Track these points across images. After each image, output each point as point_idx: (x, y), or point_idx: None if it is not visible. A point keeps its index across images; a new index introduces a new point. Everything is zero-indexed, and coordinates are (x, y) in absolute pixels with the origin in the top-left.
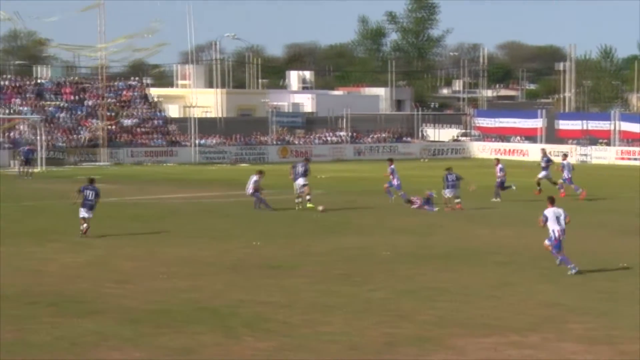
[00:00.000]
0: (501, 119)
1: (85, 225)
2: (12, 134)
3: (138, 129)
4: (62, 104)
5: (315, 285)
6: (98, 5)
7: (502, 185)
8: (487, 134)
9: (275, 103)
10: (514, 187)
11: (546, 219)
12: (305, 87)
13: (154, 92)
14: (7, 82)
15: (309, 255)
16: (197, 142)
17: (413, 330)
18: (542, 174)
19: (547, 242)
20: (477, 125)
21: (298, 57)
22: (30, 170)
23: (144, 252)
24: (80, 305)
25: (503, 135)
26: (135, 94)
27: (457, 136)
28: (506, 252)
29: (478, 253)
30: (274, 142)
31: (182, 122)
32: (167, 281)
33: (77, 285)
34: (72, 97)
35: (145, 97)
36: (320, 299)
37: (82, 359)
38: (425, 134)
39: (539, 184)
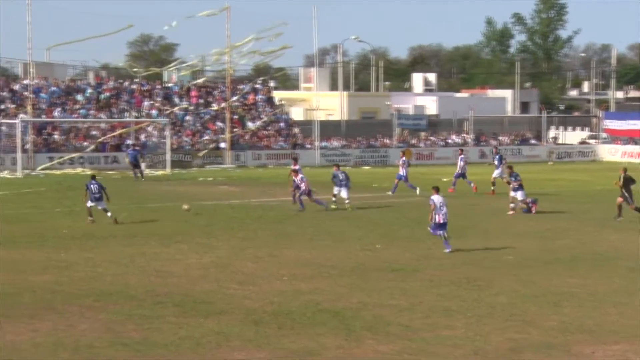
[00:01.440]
0: (632, 121)
1: (90, 218)
2: (141, 136)
3: (263, 132)
4: (189, 107)
5: (437, 289)
6: (224, 10)
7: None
8: (617, 137)
9: (398, 105)
10: None
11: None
12: (428, 90)
13: (278, 95)
14: (136, 86)
15: (430, 259)
16: (319, 144)
17: (538, 336)
18: (496, 172)
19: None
20: (606, 127)
21: (422, 60)
22: (139, 173)
23: (266, 253)
24: (204, 306)
25: (633, 137)
26: (260, 97)
27: (585, 139)
28: (636, 258)
29: (606, 258)
30: (397, 145)
31: (306, 125)
32: (289, 283)
33: (201, 286)
34: (198, 100)
35: (269, 100)
36: (442, 302)
37: (206, 359)
38: (553, 137)
39: (493, 184)
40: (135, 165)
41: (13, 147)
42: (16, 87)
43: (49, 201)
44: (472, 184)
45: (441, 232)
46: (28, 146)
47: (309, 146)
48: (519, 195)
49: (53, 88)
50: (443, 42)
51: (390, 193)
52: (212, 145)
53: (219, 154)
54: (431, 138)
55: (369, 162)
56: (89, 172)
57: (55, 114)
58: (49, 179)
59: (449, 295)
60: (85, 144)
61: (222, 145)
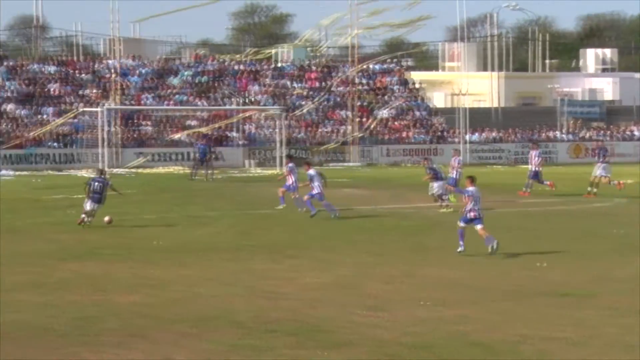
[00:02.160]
0: None
1: (83, 216)
2: (247, 127)
3: (396, 123)
4: (305, 92)
5: (617, 319)
6: None
7: None
8: None
9: (566, 89)
10: None
11: None
12: (605, 69)
13: (416, 76)
14: (242, 67)
15: (608, 281)
16: (467, 137)
17: None
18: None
19: None
20: None
21: (596, 32)
22: (210, 172)
23: (401, 272)
24: (324, 335)
25: None
26: (393, 79)
27: None
28: None
29: None
30: (565, 138)
31: (450, 114)
32: (430, 309)
33: (320, 310)
34: (317, 84)
35: (404, 83)
36: (624, 336)
37: None
38: None
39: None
40: (202, 161)
41: (96, 140)
42: (99, 68)
43: (137, 206)
44: (548, 182)
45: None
46: (113, 140)
47: (453, 140)
48: None
49: (143, 69)
50: (623, 10)
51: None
52: (336, 140)
53: (343, 150)
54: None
55: (527, 159)
56: (186, 170)
57: (146, 100)
58: (138, 179)
59: (632, 327)
60: (178, 136)
61: (348, 138)
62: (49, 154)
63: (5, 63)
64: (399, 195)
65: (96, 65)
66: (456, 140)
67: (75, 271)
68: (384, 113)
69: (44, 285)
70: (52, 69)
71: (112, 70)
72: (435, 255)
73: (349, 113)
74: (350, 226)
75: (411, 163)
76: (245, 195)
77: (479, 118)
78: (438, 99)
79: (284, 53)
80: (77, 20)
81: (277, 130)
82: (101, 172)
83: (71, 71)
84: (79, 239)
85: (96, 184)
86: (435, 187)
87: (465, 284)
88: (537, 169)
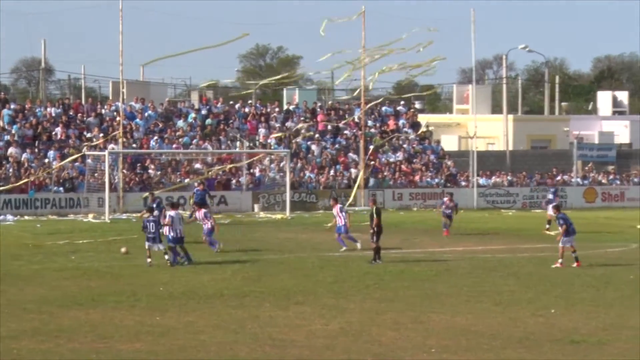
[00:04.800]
0: None
1: (149, 260)
2: (254, 171)
3: (403, 166)
4: (314, 135)
5: None
6: (360, 15)
7: None
8: None
9: (579, 132)
10: None
11: None
12: (618, 112)
13: (426, 119)
14: (250, 109)
15: (620, 329)
16: (477, 181)
17: None
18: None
19: None
20: None
21: (610, 74)
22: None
23: (409, 319)
24: None
25: None
26: (403, 121)
27: None
28: None
29: None
30: (578, 182)
31: (460, 157)
32: (439, 356)
33: (328, 358)
34: (325, 127)
35: (415, 126)
36: None
37: None
38: None
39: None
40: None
41: (100, 184)
42: (104, 110)
43: (141, 251)
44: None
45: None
46: (118, 183)
47: (464, 183)
48: None
49: (149, 112)
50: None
51: None
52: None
53: (350, 194)
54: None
55: (540, 204)
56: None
57: (152, 143)
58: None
59: None
60: (187, 180)
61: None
62: (52, 198)
63: (9, 106)
64: (409, 240)
65: (101, 109)
66: (467, 184)
67: (78, 318)
68: (394, 156)
69: (44, 333)
70: (56, 112)
71: (118, 113)
72: (446, 302)
73: (358, 156)
74: (359, 271)
75: (421, 207)
76: (252, 240)
77: (491, 161)
78: (449, 142)
79: (292, 95)
80: (82, 63)
81: (283, 173)
82: (151, 209)
83: (76, 114)
84: (83, 286)
85: (149, 224)
86: None
87: (475, 331)
88: None
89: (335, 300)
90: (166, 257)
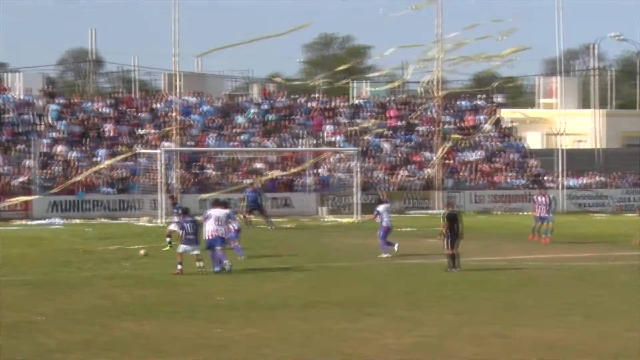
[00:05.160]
0: None
1: (179, 267)
2: (320, 171)
3: (485, 165)
4: (385, 132)
5: None
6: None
7: None
8: None
9: None
10: None
11: None
12: None
13: (508, 114)
14: (315, 104)
15: None
16: (565, 182)
17: None
18: None
19: None
20: None
21: None
22: (268, 219)
23: (491, 332)
24: None
25: None
26: (482, 117)
27: None
28: None
29: None
30: None
31: (546, 156)
32: None
33: None
34: (397, 122)
35: (496, 122)
36: None
37: None
38: None
39: None
40: (252, 209)
41: (154, 185)
42: (158, 105)
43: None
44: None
45: None
46: (173, 184)
47: (550, 184)
48: None
49: (206, 107)
50: None
51: None
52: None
53: (426, 196)
54: None
55: (633, 207)
56: (252, 217)
57: (209, 141)
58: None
59: None
60: (247, 180)
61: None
62: (102, 200)
63: (56, 101)
64: (490, 246)
65: (155, 103)
66: (554, 185)
67: (131, 330)
68: (472, 155)
69: (96, 346)
70: (106, 107)
71: (172, 108)
72: (530, 314)
73: (433, 154)
74: (435, 281)
75: (503, 210)
76: (318, 246)
77: (580, 160)
78: (533, 139)
79: (360, 89)
80: (134, 54)
81: (352, 173)
82: (186, 210)
83: (127, 109)
84: (136, 295)
85: (187, 225)
86: None
87: (563, 347)
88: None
89: (410, 312)
90: (198, 264)
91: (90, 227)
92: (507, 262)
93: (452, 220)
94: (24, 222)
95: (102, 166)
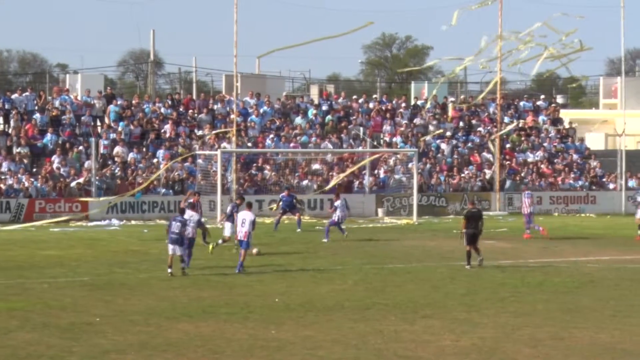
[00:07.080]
0: None
1: (170, 270)
2: (378, 172)
3: (543, 167)
4: (445, 133)
5: None
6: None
7: None
8: None
9: None
10: None
11: None
12: None
13: (569, 115)
14: (373, 104)
15: None
16: (626, 184)
17: None
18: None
19: None
20: None
21: None
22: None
23: (548, 335)
24: None
25: None
26: (544, 117)
27: None
28: None
29: None
30: None
31: (608, 157)
32: None
33: None
34: (458, 124)
35: (556, 122)
36: None
37: None
38: None
39: None
40: (285, 212)
41: (211, 186)
42: (217, 106)
43: (255, 259)
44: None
45: None
46: (231, 185)
47: (611, 186)
48: None
49: (265, 108)
50: None
51: None
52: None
53: (485, 197)
54: None
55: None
56: (306, 218)
57: (267, 142)
58: (257, 229)
59: None
60: (306, 182)
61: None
62: (160, 201)
63: (115, 102)
64: (549, 247)
65: (214, 104)
66: (615, 187)
67: (187, 332)
68: (532, 156)
69: (152, 347)
70: (165, 108)
71: (231, 110)
72: (589, 316)
73: (493, 156)
74: (492, 282)
75: (562, 212)
76: (375, 247)
77: None
78: (595, 140)
79: (420, 89)
80: (194, 55)
81: (410, 175)
82: (182, 211)
83: (186, 111)
84: (193, 296)
85: (174, 223)
86: None
87: (623, 349)
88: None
89: (467, 313)
90: (181, 265)
91: (147, 228)
92: (566, 264)
93: (471, 218)
94: (81, 223)
95: (162, 170)
